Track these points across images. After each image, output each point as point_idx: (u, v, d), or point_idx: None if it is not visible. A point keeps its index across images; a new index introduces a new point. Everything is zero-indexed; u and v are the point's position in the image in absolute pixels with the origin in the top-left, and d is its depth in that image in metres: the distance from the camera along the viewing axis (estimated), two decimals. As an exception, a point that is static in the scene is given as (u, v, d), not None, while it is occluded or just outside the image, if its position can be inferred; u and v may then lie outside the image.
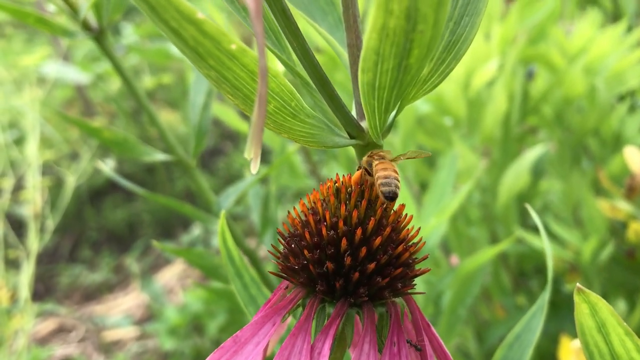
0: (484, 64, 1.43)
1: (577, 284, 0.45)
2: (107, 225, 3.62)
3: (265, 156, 3.59)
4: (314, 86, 0.46)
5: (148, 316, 3.14)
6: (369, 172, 0.44)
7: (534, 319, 0.63)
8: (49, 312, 3.09)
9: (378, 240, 0.40)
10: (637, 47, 1.62)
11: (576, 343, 1.01)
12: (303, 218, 0.44)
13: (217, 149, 4.11)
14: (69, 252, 3.55)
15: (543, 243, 1.36)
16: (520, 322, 0.64)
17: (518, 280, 1.69)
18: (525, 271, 1.77)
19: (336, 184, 0.43)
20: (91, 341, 3.07)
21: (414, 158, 0.48)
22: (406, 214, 0.43)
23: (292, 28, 0.38)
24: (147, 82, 3.77)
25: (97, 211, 3.67)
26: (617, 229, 1.49)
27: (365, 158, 0.45)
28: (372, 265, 0.40)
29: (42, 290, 3.32)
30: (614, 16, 1.88)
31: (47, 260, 3.48)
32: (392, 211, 0.43)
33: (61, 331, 3.12)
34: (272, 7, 0.38)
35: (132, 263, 3.40)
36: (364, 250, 0.40)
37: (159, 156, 0.97)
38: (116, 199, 3.71)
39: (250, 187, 0.91)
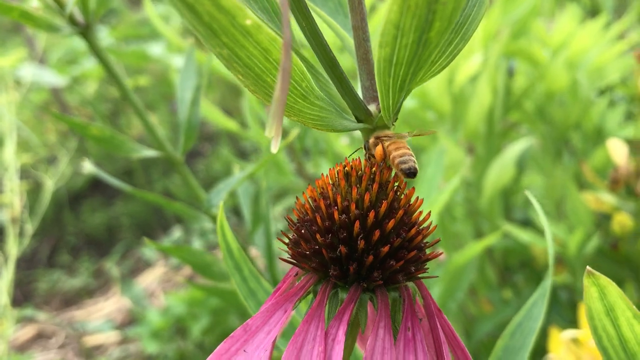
0: (467, 59, 1.43)
1: (588, 267, 0.45)
2: (85, 229, 3.57)
3: (247, 156, 3.57)
4: (318, 69, 0.45)
5: (129, 320, 3.10)
6: (372, 155, 0.44)
7: (535, 307, 0.63)
8: (28, 319, 3.04)
9: (391, 223, 0.40)
10: (617, 42, 1.63)
11: (566, 335, 1.02)
12: (313, 203, 0.43)
13: (196, 150, 4.08)
14: (47, 257, 3.50)
15: (529, 237, 1.37)
16: (521, 311, 0.64)
17: (504, 274, 1.70)
18: (510, 265, 1.78)
19: (346, 168, 0.43)
20: (71, 347, 3.03)
21: (419, 135, 0.48)
22: (417, 197, 0.43)
23: (301, 7, 0.38)
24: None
25: (76, 215, 3.62)
26: (601, 221, 1.50)
27: (371, 140, 0.44)
28: (385, 249, 0.39)
29: (20, 297, 3.26)
30: (592, 12, 1.90)
31: (25, 265, 3.43)
32: (403, 195, 0.42)
33: (41, 337, 3.07)
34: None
35: (112, 267, 3.36)
36: (377, 233, 0.39)
37: (147, 152, 0.95)
38: (95, 202, 3.66)
39: (241, 183, 0.90)
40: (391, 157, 0.41)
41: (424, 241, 0.43)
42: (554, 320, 1.43)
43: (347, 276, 0.41)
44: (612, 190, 1.39)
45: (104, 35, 3.59)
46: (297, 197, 0.44)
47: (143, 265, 3.43)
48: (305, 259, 0.42)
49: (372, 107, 0.43)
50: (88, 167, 0.95)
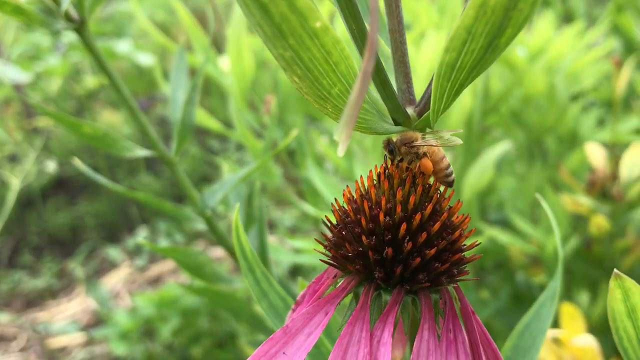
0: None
1: (615, 270, 0.46)
2: (49, 228, 3.49)
3: (215, 154, 3.54)
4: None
5: (95, 322, 3.05)
6: (395, 152, 0.44)
7: (543, 308, 0.64)
8: (-12, 321, 2.96)
9: (437, 226, 0.40)
10: (591, 48, 1.68)
11: (547, 334, 1.04)
12: (353, 205, 0.43)
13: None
14: (7, 257, 3.41)
15: (507, 238, 1.39)
16: (529, 312, 0.65)
17: (479, 275, 1.73)
18: (484, 266, 1.81)
19: (387, 170, 0.43)
20: (34, 349, 2.96)
21: (447, 145, 0.48)
22: (459, 200, 0.43)
23: (352, 10, 0.38)
24: (89, 81, 3.67)
25: (38, 214, 3.54)
26: (576, 223, 1.54)
27: (403, 146, 0.44)
28: (432, 251, 0.40)
29: (-20, 298, 3.18)
30: (566, 18, 1.95)
31: (-16, 266, 3.34)
32: (444, 198, 0.43)
33: (1, 340, 2.99)
34: (335, -11, 0.37)
35: (76, 267, 3.30)
36: (423, 235, 0.40)
37: (141, 152, 0.94)
38: (58, 202, 3.58)
39: (237, 185, 0.89)
40: (437, 168, 0.42)
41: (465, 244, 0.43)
42: (532, 320, 1.45)
43: (391, 278, 0.41)
44: (589, 193, 1.42)
45: (67, 32, 3.52)
46: (335, 199, 0.44)
47: (108, 266, 3.38)
48: (348, 261, 0.42)
49: (409, 110, 0.44)
50: (81, 166, 0.92)
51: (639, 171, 1.37)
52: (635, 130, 1.57)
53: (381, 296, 0.42)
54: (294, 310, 0.52)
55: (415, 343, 0.39)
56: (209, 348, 2.49)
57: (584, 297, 1.44)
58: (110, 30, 4.15)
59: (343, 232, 0.42)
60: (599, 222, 1.35)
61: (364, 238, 0.41)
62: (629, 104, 1.74)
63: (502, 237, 1.43)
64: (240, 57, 1.19)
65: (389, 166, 0.44)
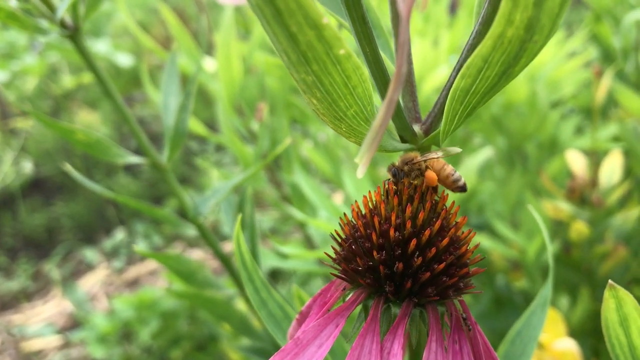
0: (433, 70, 1.47)
1: (610, 281, 0.48)
2: (23, 230, 3.44)
3: (193, 156, 3.53)
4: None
5: (71, 324, 3.02)
6: (399, 174, 0.46)
7: (534, 316, 0.66)
8: (-38, 324, 2.91)
9: (445, 241, 0.42)
10: (571, 57, 1.71)
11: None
12: (362, 220, 0.44)
13: (140, 150, 3.99)
14: (-18, 259, 3.36)
15: (490, 243, 1.41)
16: (520, 319, 0.67)
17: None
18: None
19: (397, 186, 0.44)
20: (9, 353, 2.92)
21: (447, 155, 0.50)
22: (465, 216, 0.45)
23: (367, 34, 0.39)
24: (66, 81, 3.63)
25: (13, 215, 3.49)
26: (556, 228, 1.57)
27: (405, 166, 0.46)
28: (441, 266, 0.41)
29: (-47, 301, 3.13)
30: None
31: (-42, 268, 3.29)
32: (451, 214, 0.44)
33: (-24, 343, 2.95)
34: (352, 14, 0.38)
35: (52, 269, 3.26)
36: (433, 250, 0.41)
37: (133, 159, 0.94)
38: (34, 203, 3.54)
39: (230, 192, 0.90)
40: (442, 177, 0.43)
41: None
42: (512, 324, 1.48)
43: (400, 292, 0.42)
44: (569, 199, 1.46)
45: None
46: (344, 214, 0.45)
47: (84, 268, 3.34)
48: (359, 274, 0.43)
49: (416, 128, 0.45)
50: (70, 169, 0.92)
51: (617, 178, 1.40)
52: (614, 137, 1.61)
53: (390, 309, 0.43)
54: (298, 321, 0.53)
55: (424, 354, 0.41)
56: (188, 351, 2.48)
57: (563, 301, 1.47)
58: (88, 30, 4.11)
59: (353, 247, 0.44)
60: (579, 228, 1.38)
61: (375, 253, 0.42)
62: (607, 112, 1.78)
63: (484, 241, 1.46)
64: (229, 64, 1.20)
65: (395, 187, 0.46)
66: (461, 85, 0.35)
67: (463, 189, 0.45)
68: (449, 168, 0.44)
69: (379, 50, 0.45)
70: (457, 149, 0.48)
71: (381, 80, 0.42)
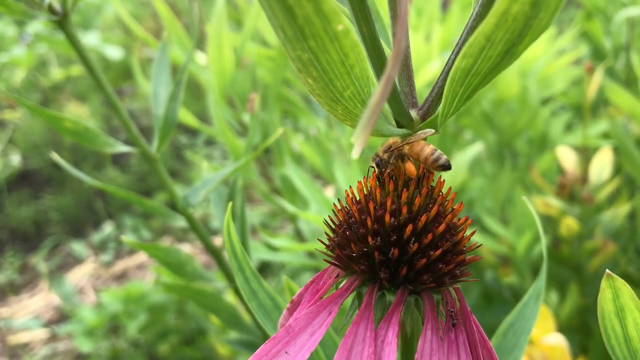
0: (426, 64, 1.47)
1: (607, 271, 0.47)
2: (10, 223, 3.41)
3: (181, 149, 3.51)
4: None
5: (58, 318, 2.99)
6: (382, 164, 0.45)
7: (527, 308, 0.66)
8: (-53, 316, 2.89)
9: (442, 228, 0.41)
10: (562, 53, 1.71)
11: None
12: (357, 206, 0.43)
13: (129, 141, 3.97)
14: (-33, 252, 3.33)
15: (479, 238, 1.41)
16: (513, 311, 0.67)
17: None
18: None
19: (392, 172, 0.43)
20: (-5, 346, 2.89)
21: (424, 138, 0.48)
22: (462, 202, 0.44)
23: (365, 14, 0.38)
24: (55, 73, 3.60)
25: (0, 208, 3.46)
26: (546, 224, 1.57)
27: (384, 155, 0.45)
28: (437, 252, 0.40)
29: (-61, 293, 3.09)
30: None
31: (-56, 260, 3.25)
32: (447, 200, 0.44)
33: (-39, 336, 2.92)
34: (350, -7, 0.37)
35: (40, 262, 3.23)
36: (429, 237, 0.40)
37: (122, 148, 0.93)
38: (21, 195, 3.51)
39: (220, 183, 0.89)
40: (422, 158, 0.42)
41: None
42: (502, 319, 1.48)
43: (395, 279, 0.42)
44: (559, 195, 1.46)
45: (35, 21, 3.45)
46: (339, 200, 0.45)
47: (72, 262, 3.32)
48: (353, 261, 0.42)
49: (412, 113, 0.44)
50: (58, 159, 0.91)
51: (607, 174, 1.41)
52: (604, 134, 1.61)
53: (385, 296, 0.42)
54: (289, 310, 0.52)
55: (419, 343, 0.40)
56: (176, 345, 2.47)
57: (552, 296, 1.47)
58: (77, 22, 4.08)
59: (347, 233, 0.43)
60: (569, 224, 1.38)
61: (369, 239, 0.41)
62: (598, 109, 1.78)
63: (475, 237, 1.45)
64: (220, 55, 1.19)
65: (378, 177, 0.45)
66: (462, 65, 0.34)
67: (446, 167, 0.43)
68: (429, 148, 0.43)
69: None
70: (430, 131, 0.46)
71: (378, 61, 0.41)
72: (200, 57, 1.56)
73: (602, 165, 1.43)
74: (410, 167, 0.43)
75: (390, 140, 0.45)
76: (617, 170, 1.58)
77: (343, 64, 0.35)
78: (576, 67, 1.73)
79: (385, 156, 0.45)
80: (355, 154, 0.32)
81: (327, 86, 0.36)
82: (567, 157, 1.41)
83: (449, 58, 0.41)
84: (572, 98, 1.82)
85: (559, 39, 1.65)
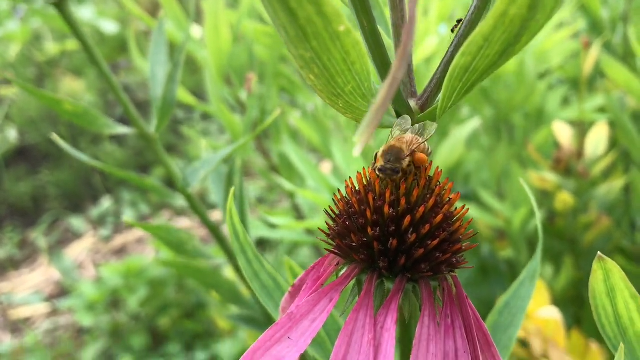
0: (422, 40, 1.46)
1: (599, 253, 0.49)
2: (9, 198, 3.42)
3: (178, 124, 3.50)
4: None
5: (58, 292, 3.02)
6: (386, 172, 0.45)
7: (523, 287, 0.67)
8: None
9: (439, 218, 0.42)
10: (561, 26, 1.71)
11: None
12: (357, 196, 0.44)
13: (125, 118, 3.97)
14: (-34, 227, 3.34)
15: (476, 213, 1.42)
16: (509, 290, 0.68)
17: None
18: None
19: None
20: (-4, 320, 2.92)
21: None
22: (459, 191, 0.45)
23: (365, 7, 0.39)
24: (50, 48, 3.57)
25: (-3, 184, 3.47)
26: (541, 198, 1.59)
27: (393, 164, 0.44)
28: (435, 242, 0.42)
29: (-61, 269, 3.12)
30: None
31: (-57, 236, 3.27)
32: (444, 190, 0.45)
33: (-37, 311, 2.95)
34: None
35: (39, 237, 3.25)
36: (427, 227, 0.42)
37: (121, 129, 0.93)
38: (19, 171, 3.51)
39: (219, 164, 0.90)
40: (425, 154, 0.44)
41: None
42: (498, 293, 1.51)
43: (394, 267, 0.43)
44: (554, 170, 1.47)
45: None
46: (338, 190, 0.46)
47: (71, 236, 3.34)
48: (353, 250, 0.44)
49: (411, 103, 0.45)
50: (58, 140, 0.91)
51: (603, 149, 1.42)
52: (600, 108, 1.62)
53: (384, 284, 0.44)
54: (290, 294, 0.53)
55: (417, 329, 0.41)
56: (176, 318, 2.50)
57: (547, 269, 1.49)
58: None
59: (347, 223, 0.44)
60: (564, 198, 1.39)
61: (369, 229, 0.42)
62: (594, 83, 1.78)
63: (472, 212, 1.47)
64: (217, 32, 1.18)
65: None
66: (461, 62, 0.34)
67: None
68: (426, 145, 0.45)
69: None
70: (433, 127, 0.46)
71: (378, 55, 0.41)
72: (196, 31, 1.56)
73: (597, 139, 1.44)
74: (423, 157, 0.44)
75: (398, 147, 0.44)
76: (613, 144, 1.60)
77: (344, 62, 0.35)
78: (574, 41, 1.73)
79: (389, 165, 0.43)
80: (356, 152, 0.32)
81: (329, 82, 0.37)
82: (563, 132, 1.42)
83: (448, 50, 0.42)
84: (569, 72, 1.82)
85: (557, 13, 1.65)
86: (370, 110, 0.29)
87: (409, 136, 0.45)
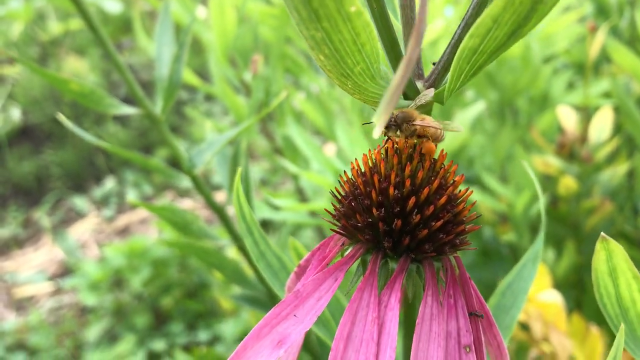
0: (429, 23, 1.46)
1: (602, 234, 0.49)
2: (12, 178, 3.43)
3: (181, 105, 3.50)
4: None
5: (62, 271, 3.04)
6: (391, 127, 0.45)
7: (525, 269, 0.68)
8: (-47, 270, 2.93)
9: (443, 200, 0.42)
10: (568, 10, 1.70)
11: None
12: (362, 178, 0.45)
13: (129, 98, 3.96)
14: (-30, 206, 3.36)
15: (479, 196, 1.43)
16: (511, 272, 0.69)
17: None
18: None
19: (396, 145, 0.45)
20: (1, 298, 2.95)
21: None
22: (462, 174, 0.46)
23: (374, -9, 0.39)
24: (53, 27, 3.56)
25: (1, 163, 3.47)
26: (545, 182, 1.59)
27: (404, 125, 0.45)
28: (438, 223, 0.42)
29: (-56, 247, 3.13)
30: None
31: (-52, 215, 3.28)
32: (449, 172, 0.45)
33: (-32, 289, 2.97)
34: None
35: (42, 217, 3.27)
36: (431, 208, 0.42)
37: (127, 109, 0.94)
38: (22, 150, 3.52)
39: (225, 146, 0.90)
40: (434, 139, 0.44)
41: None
42: (500, 275, 1.51)
43: (398, 248, 0.43)
44: (558, 154, 1.47)
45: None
46: (344, 171, 0.46)
47: (74, 216, 3.35)
48: (358, 230, 0.44)
49: (419, 84, 0.45)
50: (63, 119, 0.92)
51: (607, 134, 1.41)
52: (605, 93, 1.61)
53: (388, 264, 0.44)
54: (296, 274, 0.54)
55: (420, 308, 0.42)
56: (179, 298, 2.52)
57: (549, 253, 1.50)
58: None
59: (353, 204, 0.44)
60: (567, 183, 1.40)
61: (374, 210, 0.43)
62: (600, 67, 1.78)
63: (475, 195, 1.47)
64: (222, 14, 1.18)
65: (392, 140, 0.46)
66: (469, 44, 0.35)
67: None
68: (441, 132, 0.45)
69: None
70: (460, 128, 0.47)
71: (387, 37, 0.42)
72: (201, 12, 1.55)
73: (602, 124, 1.43)
74: (431, 146, 0.45)
75: (412, 112, 0.45)
76: (617, 129, 1.59)
77: (354, 43, 0.36)
78: (580, 25, 1.72)
79: (404, 126, 0.45)
80: (376, 134, 0.33)
81: (339, 63, 0.37)
82: (567, 117, 1.42)
83: (455, 32, 0.42)
84: (575, 56, 1.81)
85: (563, -3, 1.64)
86: (387, 89, 0.30)
87: (429, 117, 0.46)
